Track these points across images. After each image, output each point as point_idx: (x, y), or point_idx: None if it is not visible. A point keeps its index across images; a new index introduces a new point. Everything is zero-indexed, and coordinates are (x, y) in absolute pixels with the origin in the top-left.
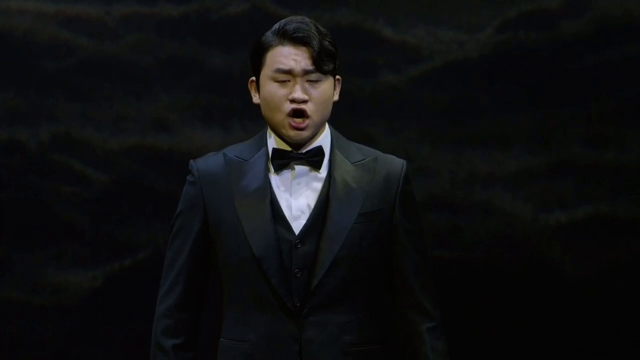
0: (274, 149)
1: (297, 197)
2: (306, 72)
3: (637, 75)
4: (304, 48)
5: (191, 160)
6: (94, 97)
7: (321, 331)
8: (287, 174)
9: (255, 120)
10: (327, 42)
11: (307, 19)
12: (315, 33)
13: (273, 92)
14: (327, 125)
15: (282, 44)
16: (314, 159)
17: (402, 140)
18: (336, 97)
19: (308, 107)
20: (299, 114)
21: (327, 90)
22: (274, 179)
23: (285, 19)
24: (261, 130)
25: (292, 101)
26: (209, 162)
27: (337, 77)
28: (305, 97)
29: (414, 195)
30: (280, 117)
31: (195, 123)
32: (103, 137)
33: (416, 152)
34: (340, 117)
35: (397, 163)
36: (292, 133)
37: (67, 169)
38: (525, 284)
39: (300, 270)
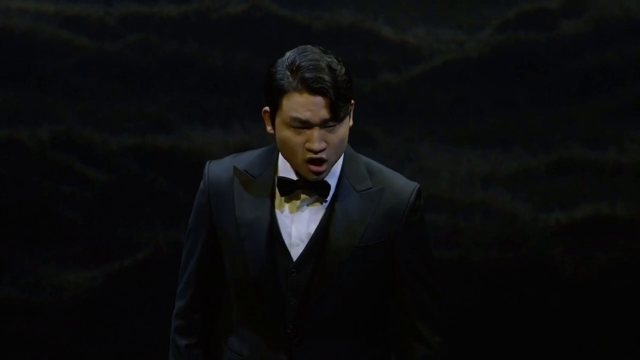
0: (279, 179)
1: (299, 224)
2: (323, 122)
3: (637, 75)
4: (320, 98)
5: (207, 163)
6: (94, 97)
7: (312, 358)
8: (292, 199)
9: (255, 120)
10: (343, 85)
11: (322, 57)
12: (331, 80)
13: (289, 138)
14: None
15: (299, 91)
16: (320, 190)
17: (402, 140)
18: (351, 123)
19: (326, 153)
20: (317, 161)
21: (344, 130)
22: (279, 203)
23: (299, 55)
24: (273, 144)
25: (310, 150)
26: (219, 172)
27: (352, 101)
28: (323, 146)
29: (422, 224)
30: (298, 161)
31: (195, 123)
32: (103, 137)
33: (416, 152)
34: None
35: (405, 192)
36: (311, 176)
37: (67, 169)
38: (525, 284)
39: (294, 297)
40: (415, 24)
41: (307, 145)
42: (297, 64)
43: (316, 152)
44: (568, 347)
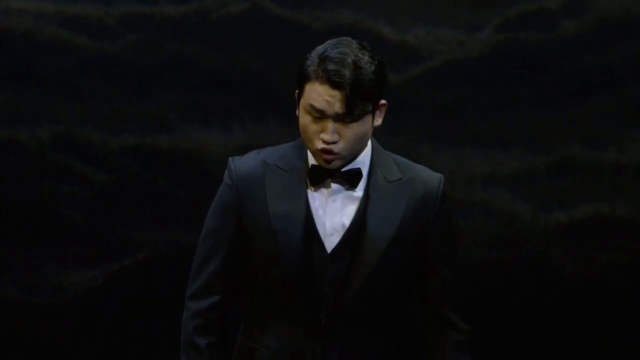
0: (312, 165)
1: (332, 215)
2: (338, 115)
3: (637, 75)
4: (337, 91)
5: (230, 159)
6: (94, 97)
7: (345, 349)
8: (323, 190)
9: (255, 120)
10: (365, 83)
11: (351, 53)
12: (353, 76)
13: (307, 124)
14: (369, 141)
15: (320, 80)
16: (351, 179)
17: (402, 140)
18: (379, 122)
19: (337, 147)
20: (328, 151)
21: (362, 128)
22: (311, 194)
23: (331, 47)
24: (300, 137)
25: (322, 140)
26: (248, 167)
27: (382, 102)
28: (336, 138)
29: (451, 212)
30: (312, 148)
31: (195, 123)
32: (103, 137)
33: (416, 152)
34: None
35: (434, 182)
36: (323, 164)
37: (67, 169)
38: (525, 284)
39: (329, 288)
40: (415, 24)
41: (321, 135)
42: (326, 54)
43: (328, 143)
44: (568, 347)
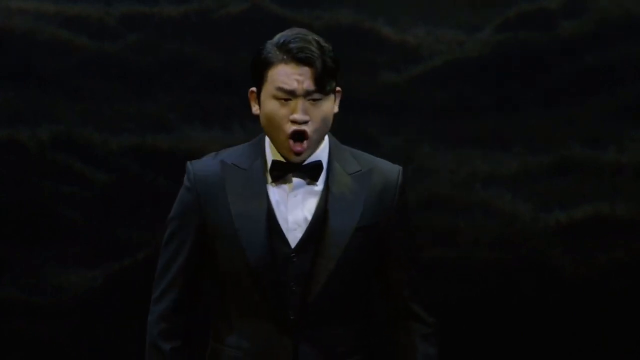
0: (273, 161)
1: (294, 209)
2: (308, 93)
3: (637, 75)
4: (306, 68)
5: (188, 163)
6: (94, 97)
7: (316, 343)
8: (284, 185)
9: (255, 120)
10: (329, 60)
11: (309, 34)
12: (318, 52)
13: (274, 111)
14: (326, 135)
15: (285, 62)
16: (312, 172)
17: (402, 140)
18: (336, 109)
19: (308, 127)
20: (299, 137)
21: (328, 108)
22: (271, 190)
23: (287, 33)
24: (258, 136)
25: (293, 122)
26: (206, 168)
27: (338, 88)
28: (307, 117)
29: (408, 204)
30: (281, 137)
31: (195, 123)
32: (103, 137)
33: (416, 152)
34: (340, 117)
35: (392, 173)
36: (292, 156)
37: (67, 169)
38: (525, 284)
39: (295, 283)
40: (415, 24)
41: (291, 116)
42: (283, 39)
43: (299, 123)
44: (568, 347)
